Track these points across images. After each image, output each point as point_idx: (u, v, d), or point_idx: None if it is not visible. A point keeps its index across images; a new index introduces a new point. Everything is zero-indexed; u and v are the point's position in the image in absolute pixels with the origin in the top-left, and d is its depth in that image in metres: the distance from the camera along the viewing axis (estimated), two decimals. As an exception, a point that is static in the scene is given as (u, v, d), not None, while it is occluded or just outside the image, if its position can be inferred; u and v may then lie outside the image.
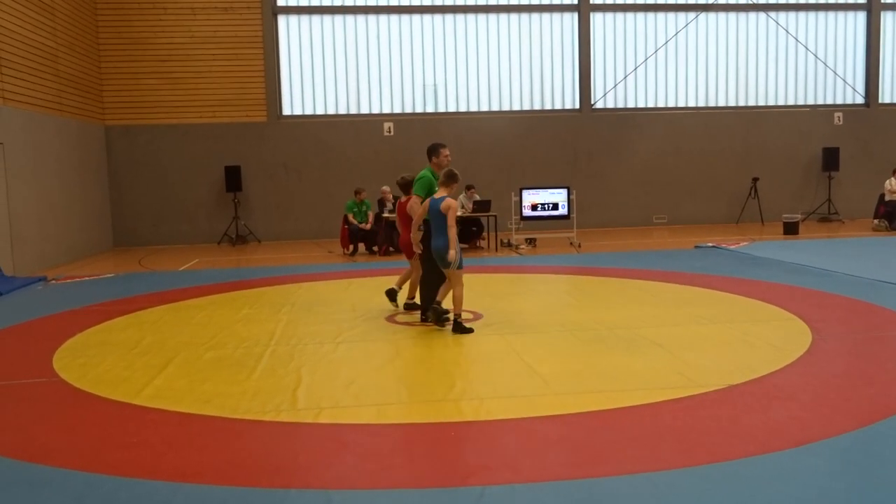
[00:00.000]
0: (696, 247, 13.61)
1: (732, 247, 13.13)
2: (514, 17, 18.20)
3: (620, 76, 18.57)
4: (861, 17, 19.33)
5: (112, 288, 10.61)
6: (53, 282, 11.27)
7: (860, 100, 19.37)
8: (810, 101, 19.27)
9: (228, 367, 6.00)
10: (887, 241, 13.78)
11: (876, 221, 16.46)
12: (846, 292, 8.43)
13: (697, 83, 18.91)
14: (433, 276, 7.32)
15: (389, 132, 17.68)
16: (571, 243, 14.61)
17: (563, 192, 14.47)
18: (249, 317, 8.10)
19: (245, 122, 17.32)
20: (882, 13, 19.23)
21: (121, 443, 4.35)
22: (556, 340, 6.63)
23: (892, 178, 16.47)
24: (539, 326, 7.19)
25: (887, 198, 16.38)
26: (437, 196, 7.08)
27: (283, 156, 17.46)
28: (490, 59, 18.21)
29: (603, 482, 3.63)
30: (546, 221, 14.64)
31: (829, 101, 19.32)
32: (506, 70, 18.26)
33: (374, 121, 17.76)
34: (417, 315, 7.77)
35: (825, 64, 19.14)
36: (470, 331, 6.95)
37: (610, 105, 18.64)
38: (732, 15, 18.83)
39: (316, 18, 17.71)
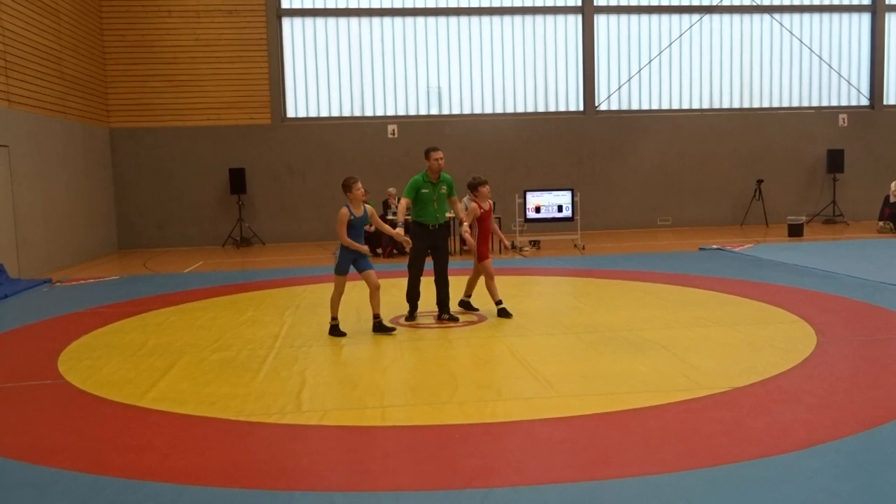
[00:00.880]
0: (701, 249, 13.58)
1: (737, 249, 13.10)
2: (517, 19, 18.20)
3: (624, 78, 18.55)
4: (866, 18, 19.29)
5: (117, 290, 10.64)
6: (59, 284, 11.30)
7: (865, 102, 19.33)
8: (815, 103, 19.22)
9: (233, 369, 6.01)
10: (892, 244, 13.73)
11: (881, 223, 16.40)
12: (851, 294, 8.41)
13: (702, 85, 18.88)
14: (414, 271, 7.74)
15: (393, 134, 17.69)
16: (575, 245, 14.60)
17: (567, 194, 14.46)
18: (254, 319, 8.12)
19: (249, 124, 17.35)
20: (887, 15, 19.17)
21: (125, 445, 4.36)
22: (561, 343, 6.64)
23: (897, 180, 16.43)
24: (543, 329, 7.19)
25: (892, 199, 16.31)
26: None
27: (287, 158, 17.49)
28: (494, 62, 18.21)
29: (607, 485, 3.63)
30: (550, 224, 14.64)
31: (834, 103, 19.27)
32: (510, 72, 18.26)
33: (378, 123, 17.77)
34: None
35: (830, 66, 19.10)
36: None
37: (614, 107, 18.62)
38: (737, 17, 18.80)
39: (320, 21, 17.74)
